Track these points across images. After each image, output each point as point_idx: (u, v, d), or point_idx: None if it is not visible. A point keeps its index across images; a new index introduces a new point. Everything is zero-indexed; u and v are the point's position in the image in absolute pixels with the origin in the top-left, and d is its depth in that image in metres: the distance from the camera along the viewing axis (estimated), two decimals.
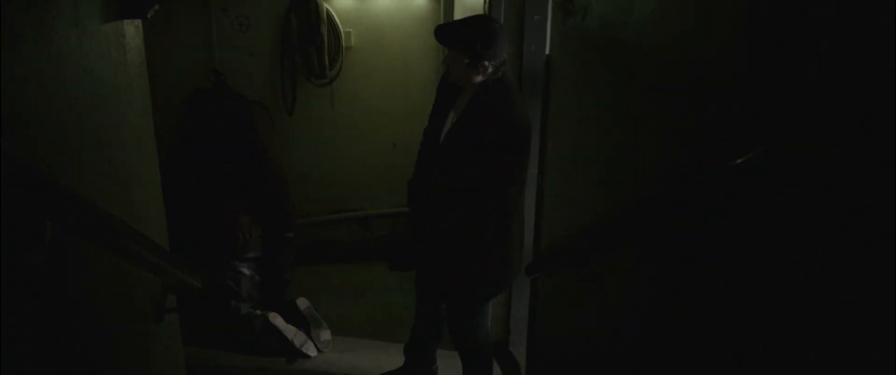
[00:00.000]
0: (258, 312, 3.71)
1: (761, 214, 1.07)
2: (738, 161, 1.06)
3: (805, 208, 0.95)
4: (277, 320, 3.68)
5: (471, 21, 2.48)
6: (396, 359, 3.65)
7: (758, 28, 1.08)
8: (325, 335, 3.81)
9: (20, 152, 0.98)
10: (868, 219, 0.82)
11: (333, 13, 4.45)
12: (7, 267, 1.04)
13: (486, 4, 3.22)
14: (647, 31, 1.55)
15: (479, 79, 2.43)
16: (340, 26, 4.48)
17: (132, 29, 1.95)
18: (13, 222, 1.03)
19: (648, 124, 1.56)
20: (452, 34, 2.44)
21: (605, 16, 1.87)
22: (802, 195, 0.96)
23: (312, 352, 3.66)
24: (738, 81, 1.13)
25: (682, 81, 1.36)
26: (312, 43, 4.41)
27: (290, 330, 3.67)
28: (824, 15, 0.91)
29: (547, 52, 3.01)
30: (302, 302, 3.93)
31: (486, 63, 2.36)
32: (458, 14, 3.88)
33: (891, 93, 0.76)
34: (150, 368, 2.03)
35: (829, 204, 0.90)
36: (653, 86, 1.53)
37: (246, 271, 3.71)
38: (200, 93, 3.77)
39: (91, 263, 1.51)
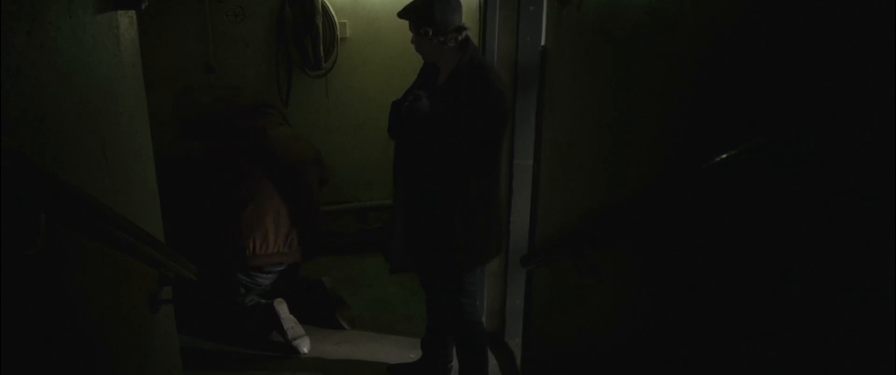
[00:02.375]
0: (263, 301, 3.72)
1: (759, 210, 1.07)
2: (733, 154, 1.06)
3: (804, 205, 0.95)
4: (281, 307, 3.67)
5: None
6: (391, 351, 3.67)
7: (758, 18, 1.07)
8: (348, 313, 3.87)
9: (13, 143, 0.97)
10: (868, 218, 0.82)
11: (328, 4, 4.43)
12: (1, 259, 1.04)
13: None
14: (644, 20, 1.55)
15: (429, 47, 2.66)
16: (335, 17, 4.47)
17: (126, 20, 1.94)
18: (6, 214, 1.03)
19: (646, 115, 1.56)
20: (405, 8, 2.68)
21: (601, 5, 1.86)
22: (801, 192, 0.96)
23: (305, 348, 3.62)
24: (739, 73, 1.13)
25: (681, 72, 1.36)
26: (307, 34, 4.40)
27: (289, 320, 3.65)
28: (825, 7, 0.90)
29: (542, 43, 3.01)
30: (327, 281, 3.97)
31: (429, 29, 2.59)
32: None
33: (891, 91, 0.75)
34: (147, 361, 2.03)
35: (828, 204, 0.89)
36: (650, 76, 1.52)
37: (264, 281, 3.73)
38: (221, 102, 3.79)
39: (86, 255, 1.51)
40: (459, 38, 2.62)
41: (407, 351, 3.62)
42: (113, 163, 1.74)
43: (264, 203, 3.56)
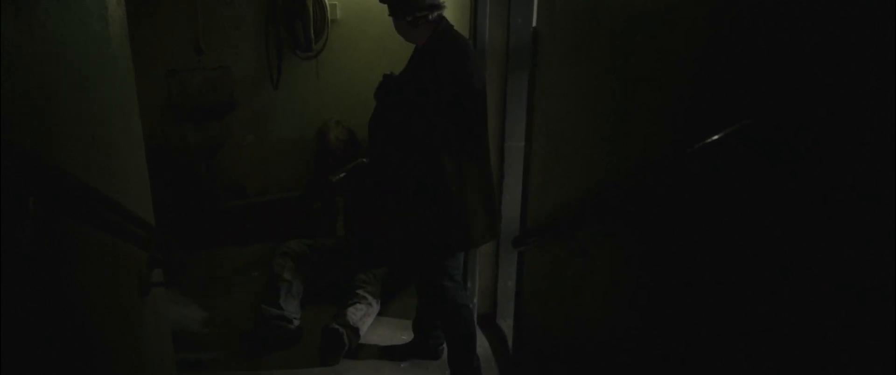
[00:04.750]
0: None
1: (757, 207, 1.06)
2: (717, 138, 1.05)
3: (802, 203, 0.94)
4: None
5: None
6: (383, 333, 3.68)
7: (757, 15, 1.06)
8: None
9: (1, 128, 0.97)
10: (867, 212, 0.82)
11: None
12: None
13: None
14: (638, 8, 1.54)
15: (404, 28, 2.72)
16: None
17: (114, 1, 1.92)
18: None
19: (639, 98, 1.56)
20: None
21: None
22: (800, 191, 0.95)
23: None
24: (734, 56, 1.12)
25: (675, 54, 1.35)
26: (298, 16, 4.36)
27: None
28: (825, 6, 0.90)
29: (534, 24, 3.00)
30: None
31: (399, 10, 2.66)
32: None
33: (891, 91, 0.75)
34: (140, 345, 2.03)
35: (826, 201, 0.89)
36: (645, 58, 1.52)
37: None
38: None
39: (76, 239, 1.50)
40: (431, 16, 2.64)
41: (399, 333, 3.64)
42: (102, 144, 1.73)
43: None
